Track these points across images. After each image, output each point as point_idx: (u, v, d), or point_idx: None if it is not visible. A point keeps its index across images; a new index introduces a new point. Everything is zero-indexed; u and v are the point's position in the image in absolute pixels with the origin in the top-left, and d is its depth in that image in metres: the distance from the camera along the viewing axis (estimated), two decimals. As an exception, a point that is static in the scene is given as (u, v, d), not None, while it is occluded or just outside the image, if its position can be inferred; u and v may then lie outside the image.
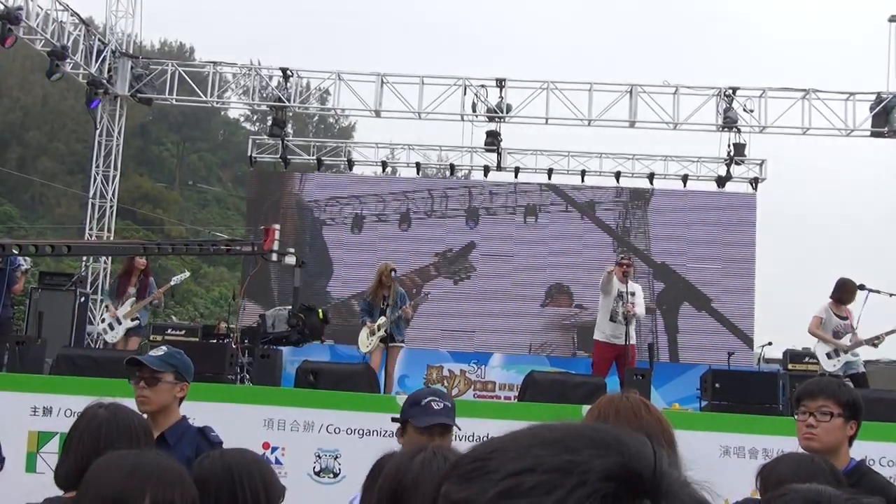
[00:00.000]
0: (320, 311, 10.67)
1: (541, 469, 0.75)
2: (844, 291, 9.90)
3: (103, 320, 11.25)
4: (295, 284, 10.39)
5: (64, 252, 9.24)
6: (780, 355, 14.78)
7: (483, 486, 0.76)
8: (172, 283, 11.81)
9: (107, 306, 11.28)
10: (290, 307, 10.48)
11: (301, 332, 10.30)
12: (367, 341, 10.53)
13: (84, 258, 16.36)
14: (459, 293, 17.03)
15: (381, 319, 10.52)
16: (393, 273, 10.65)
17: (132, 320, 10.97)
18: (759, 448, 7.34)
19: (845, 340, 9.74)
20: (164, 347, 4.26)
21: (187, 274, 12.81)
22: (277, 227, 10.13)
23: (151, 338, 14.29)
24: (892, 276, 15.69)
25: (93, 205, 16.49)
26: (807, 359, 13.22)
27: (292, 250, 10.36)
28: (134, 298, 10.98)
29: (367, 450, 7.19)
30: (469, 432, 7.11)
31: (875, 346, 9.94)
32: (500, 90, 16.10)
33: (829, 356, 9.79)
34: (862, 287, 10.50)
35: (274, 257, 9.91)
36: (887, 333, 10.02)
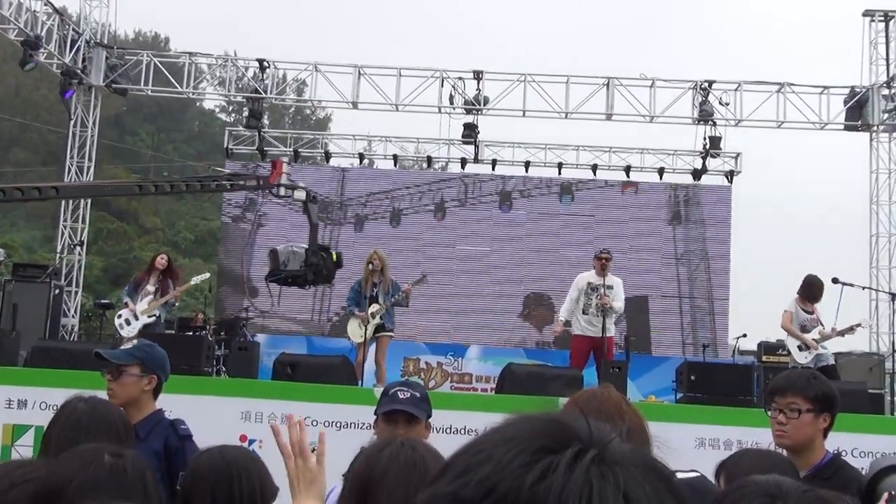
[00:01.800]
0: (335, 253, 9.76)
1: (487, 446, 0.85)
2: (811, 288, 10.03)
3: (120, 315, 11.17)
4: (312, 221, 9.44)
5: (52, 195, 8.67)
6: (754, 347, 14.92)
7: (448, 473, 0.85)
8: (193, 282, 11.88)
9: (126, 303, 11.18)
10: (308, 245, 9.49)
11: (316, 272, 9.45)
12: (359, 331, 10.25)
13: (58, 251, 16.22)
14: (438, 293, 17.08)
15: (374, 307, 10.30)
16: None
17: (149, 317, 10.90)
18: (733, 440, 7.42)
19: (813, 334, 9.88)
20: (134, 340, 4.26)
21: (207, 275, 12.71)
22: (286, 160, 9.58)
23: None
24: (865, 269, 15.89)
25: (67, 196, 16.34)
26: (780, 351, 13.36)
27: (302, 185, 9.72)
28: (152, 296, 10.95)
29: (345, 442, 7.21)
30: (447, 424, 7.14)
31: (843, 336, 10.10)
32: (478, 82, 16.11)
33: (800, 348, 9.93)
34: (836, 280, 10.62)
35: (282, 191, 9.47)
36: (856, 326, 10.17)
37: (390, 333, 10.61)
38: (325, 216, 17.08)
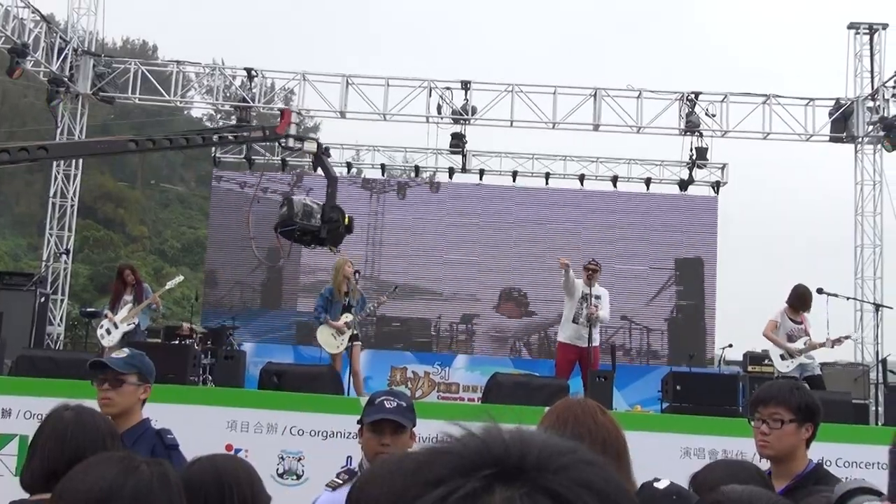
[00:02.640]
0: (348, 217, 9.13)
1: (401, 472, 0.83)
2: (799, 298, 10.06)
3: (101, 325, 11.42)
4: (330, 174, 8.84)
5: (41, 155, 8.22)
6: (739, 357, 14.97)
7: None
8: (168, 286, 12.07)
9: (106, 314, 11.46)
10: (326, 200, 8.86)
11: (331, 231, 8.82)
12: (335, 342, 10.21)
13: (44, 259, 16.16)
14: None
15: (348, 317, 10.21)
16: (357, 274, 10.57)
17: (128, 325, 11.11)
18: (718, 449, 7.44)
19: (798, 344, 9.89)
20: (126, 349, 4.24)
21: (181, 278, 12.89)
22: (295, 110, 9.13)
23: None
24: (850, 280, 15.97)
25: (53, 204, 16.28)
26: (766, 361, 13.40)
27: (313, 135, 9.36)
28: (131, 304, 11.21)
29: (331, 452, 7.23)
30: (434, 434, 7.14)
31: (832, 347, 10.13)
32: (466, 92, 16.15)
33: (782, 357, 9.95)
34: (820, 291, 10.68)
35: (290, 142, 9.07)
36: (844, 338, 10.22)
37: (360, 343, 10.54)
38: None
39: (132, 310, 11.18)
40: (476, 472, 0.77)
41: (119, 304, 11.35)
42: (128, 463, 2.02)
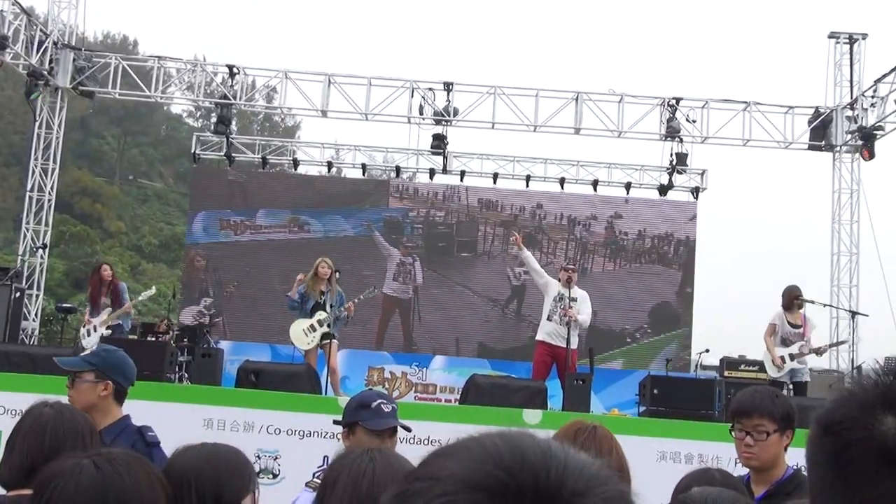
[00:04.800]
0: None
1: (426, 476, 0.78)
2: (785, 298, 10.09)
3: (83, 324, 11.91)
4: None
5: None
6: (716, 362, 15.06)
7: (392, 488, 0.81)
8: (141, 298, 12.81)
9: (87, 319, 11.87)
10: None
11: None
12: (307, 338, 10.20)
13: (20, 254, 16.02)
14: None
15: (322, 314, 10.20)
16: (337, 273, 10.54)
17: (107, 329, 11.50)
18: (694, 453, 7.47)
19: (793, 348, 9.94)
20: (96, 346, 4.20)
21: (153, 290, 13.24)
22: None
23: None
24: (826, 287, 16.10)
25: (30, 198, 16.14)
26: (742, 366, 13.50)
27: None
28: (110, 308, 11.66)
29: (308, 451, 7.20)
30: (411, 434, 7.13)
31: (819, 355, 10.19)
32: (448, 94, 16.15)
33: (773, 362, 10.00)
34: (798, 297, 10.75)
35: None
36: (830, 346, 10.26)
37: (336, 340, 10.50)
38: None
39: (111, 314, 11.58)
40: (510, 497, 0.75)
41: (99, 307, 11.71)
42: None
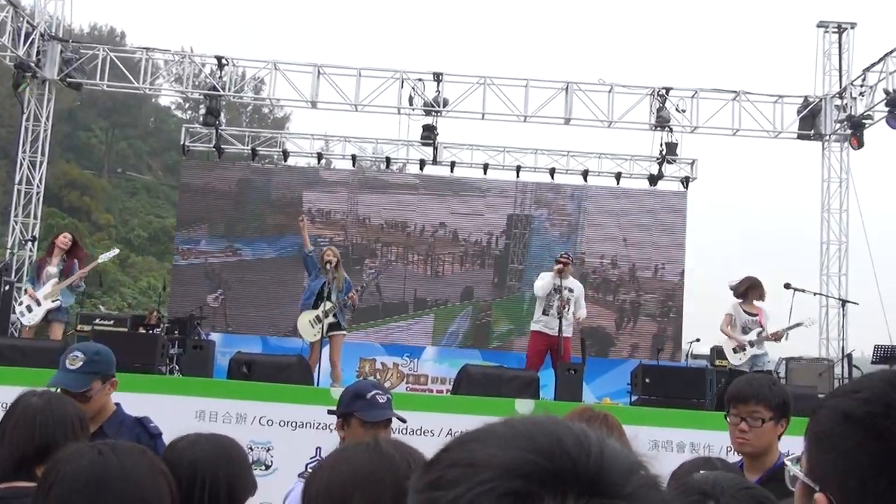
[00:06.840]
0: None
1: (462, 462, 0.77)
2: (745, 287, 10.05)
3: (21, 303, 10.59)
4: None
5: None
6: (707, 351, 15.10)
7: (422, 475, 0.80)
8: (101, 260, 11.10)
9: (25, 290, 10.65)
10: None
11: None
12: (312, 329, 10.12)
13: (9, 247, 15.93)
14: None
15: (327, 304, 10.08)
16: (340, 262, 10.47)
17: (52, 301, 10.27)
18: (686, 442, 7.49)
19: (751, 336, 9.91)
20: (79, 352, 3.92)
21: (117, 251, 11.90)
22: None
23: (79, 328, 14.04)
24: (816, 275, 16.16)
25: (19, 191, 16.06)
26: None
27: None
28: (56, 279, 10.31)
29: (300, 442, 7.20)
30: (403, 425, 7.13)
31: (777, 341, 10.12)
32: (438, 84, 16.11)
33: (734, 350, 9.97)
34: (787, 286, 10.77)
35: None
36: (788, 329, 10.19)
37: (343, 332, 10.46)
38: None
39: (56, 285, 10.25)
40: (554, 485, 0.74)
41: (42, 276, 10.38)
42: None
